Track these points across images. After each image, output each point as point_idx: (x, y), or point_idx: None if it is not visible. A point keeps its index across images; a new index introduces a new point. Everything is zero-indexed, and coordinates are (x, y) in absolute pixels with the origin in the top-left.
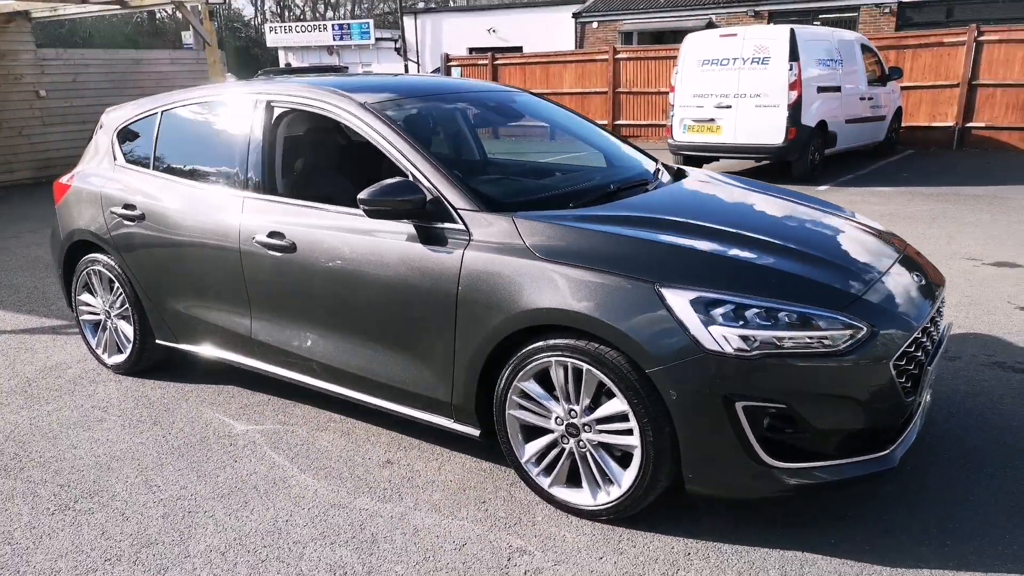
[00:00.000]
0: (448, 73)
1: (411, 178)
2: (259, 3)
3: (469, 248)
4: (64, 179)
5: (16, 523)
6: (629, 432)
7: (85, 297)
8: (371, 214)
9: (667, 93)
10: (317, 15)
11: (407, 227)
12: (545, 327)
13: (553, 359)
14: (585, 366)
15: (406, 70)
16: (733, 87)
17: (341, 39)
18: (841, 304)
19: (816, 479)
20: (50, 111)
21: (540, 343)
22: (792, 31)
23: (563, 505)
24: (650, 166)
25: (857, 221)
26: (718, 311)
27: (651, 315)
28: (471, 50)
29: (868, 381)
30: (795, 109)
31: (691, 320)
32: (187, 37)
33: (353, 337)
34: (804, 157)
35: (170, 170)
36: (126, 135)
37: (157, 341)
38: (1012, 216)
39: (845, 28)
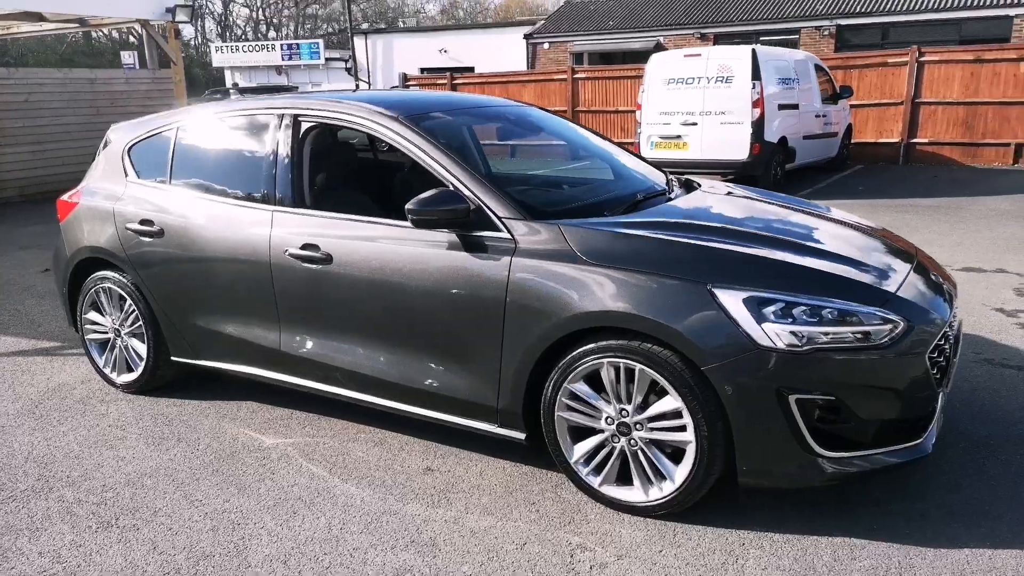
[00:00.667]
0: None
1: (451, 188)
2: (198, 24)
3: (516, 255)
4: (68, 196)
5: (60, 541)
6: (682, 428)
7: (92, 316)
8: (417, 223)
9: (626, 112)
10: (259, 35)
11: (448, 236)
12: (593, 329)
13: (605, 360)
14: (638, 366)
15: (356, 90)
16: (698, 105)
17: (290, 59)
18: (879, 301)
19: (861, 467)
20: (2, 131)
21: (591, 345)
22: (754, 51)
23: (614, 503)
24: (661, 177)
25: (868, 225)
26: (769, 309)
27: (705, 315)
28: (423, 70)
29: (907, 373)
30: (758, 126)
31: (744, 318)
32: (127, 57)
33: (392, 345)
34: (768, 172)
35: (190, 186)
36: (138, 151)
37: (173, 358)
38: (969, 225)
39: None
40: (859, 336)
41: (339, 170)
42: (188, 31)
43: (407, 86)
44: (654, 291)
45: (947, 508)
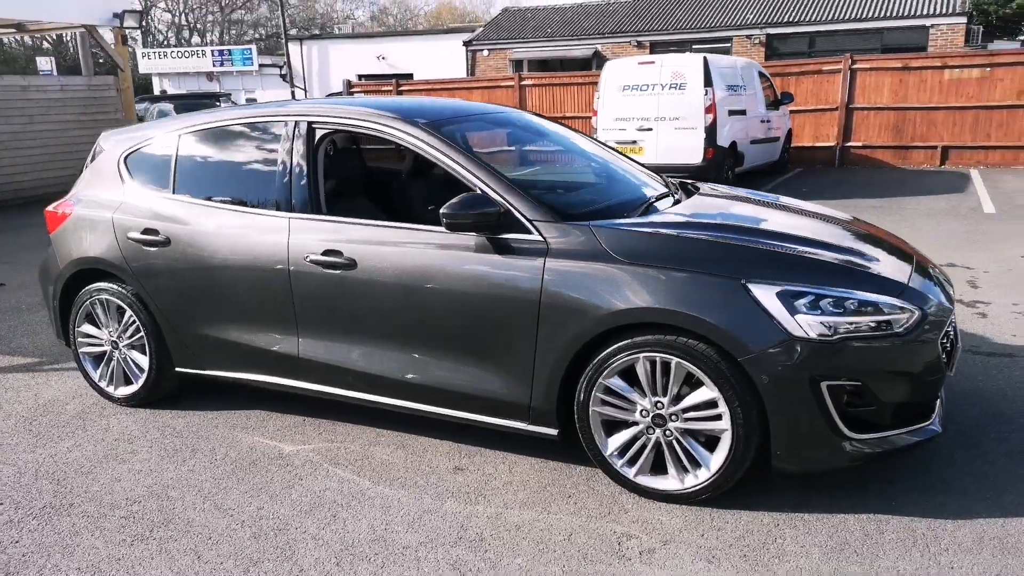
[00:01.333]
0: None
1: (479, 192)
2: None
3: (549, 256)
4: (57, 207)
5: (96, 556)
6: (718, 417)
7: (86, 328)
8: (451, 227)
9: (573, 118)
10: (182, 41)
11: (476, 239)
12: (627, 326)
13: (641, 355)
14: (674, 359)
15: (292, 97)
16: (653, 111)
17: (222, 65)
18: (896, 291)
19: (883, 447)
20: None
21: (627, 341)
22: (705, 59)
23: (650, 493)
24: (660, 180)
25: (865, 223)
26: (800, 302)
27: (741, 309)
28: (361, 76)
29: (922, 357)
30: (711, 131)
31: (778, 311)
32: (43, 63)
33: (419, 347)
34: (720, 175)
35: (197, 194)
36: (136, 160)
37: (177, 369)
38: (913, 223)
39: None
40: (881, 325)
41: (355, 176)
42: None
43: (351, 92)
44: (690, 287)
45: (954, 484)
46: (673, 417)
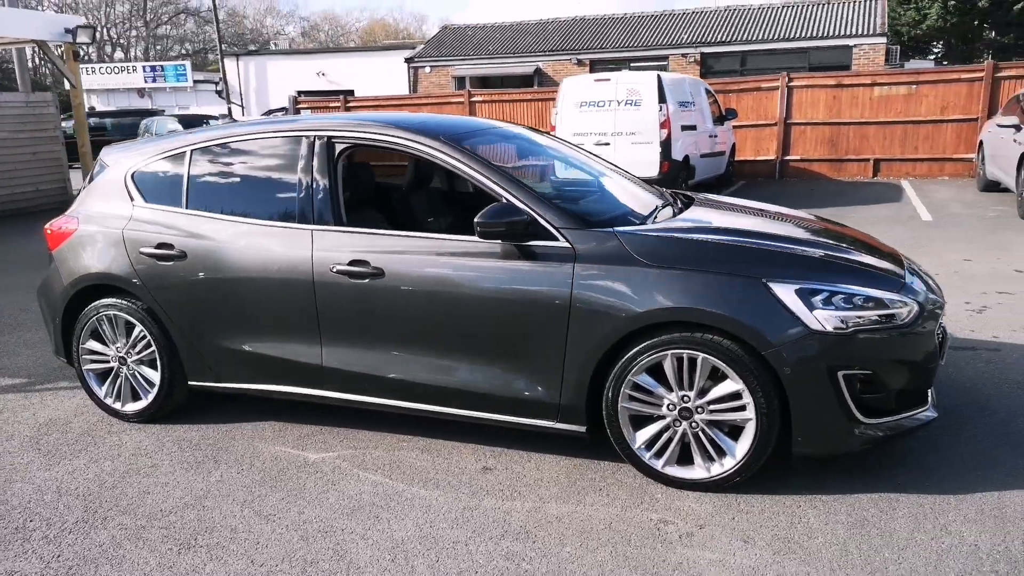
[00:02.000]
0: (297, 113)
1: (505, 202)
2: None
3: (578, 262)
4: (57, 224)
5: (146, 566)
6: (742, 408)
7: (91, 345)
8: (484, 235)
9: None
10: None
11: (503, 246)
12: (653, 325)
13: (669, 352)
14: (700, 355)
15: (229, 113)
16: (610, 126)
17: (154, 81)
18: (896, 287)
19: (891, 431)
20: None
21: (655, 339)
22: (659, 77)
23: (677, 482)
24: (655, 191)
25: (850, 227)
26: (817, 298)
27: (763, 306)
28: (300, 93)
29: (921, 347)
30: (666, 145)
31: (798, 307)
32: None
33: (448, 352)
34: (675, 187)
35: (212, 208)
36: (145, 175)
37: (190, 383)
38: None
39: None
40: (885, 318)
41: (371, 189)
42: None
43: (298, 109)
44: (715, 287)
45: (947, 464)
46: (699, 410)
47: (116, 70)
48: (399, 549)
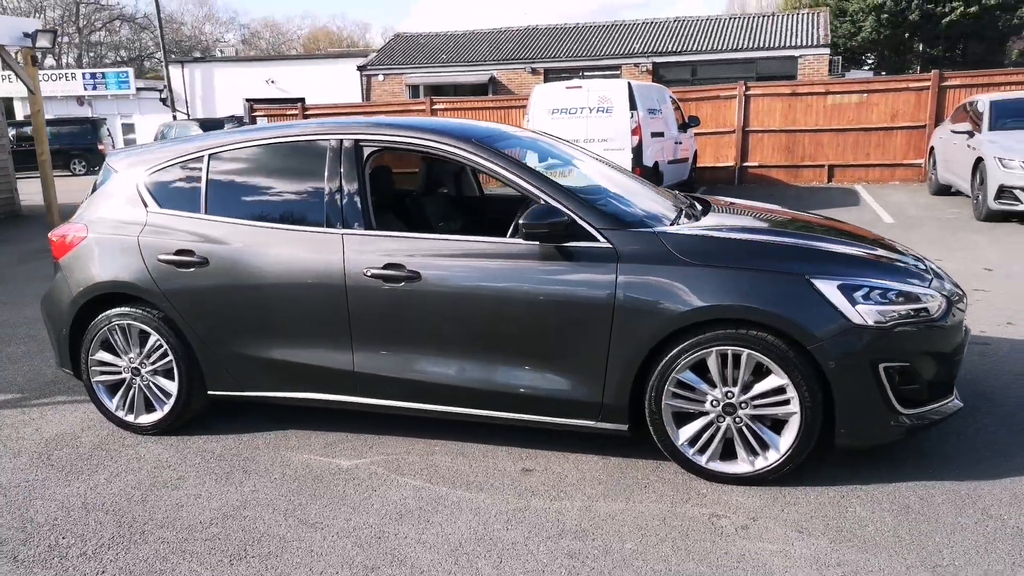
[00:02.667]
0: (254, 122)
1: (544, 203)
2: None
3: (621, 262)
4: (65, 231)
5: None
6: (786, 402)
7: (102, 356)
8: (528, 236)
9: None
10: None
11: (542, 247)
12: (697, 323)
13: (714, 349)
14: (745, 351)
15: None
16: (583, 133)
17: (95, 89)
18: (926, 283)
19: (925, 420)
20: None
21: (700, 336)
22: (629, 84)
23: (721, 477)
24: (670, 194)
25: (853, 225)
26: (858, 293)
27: (808, 302)
28: (249, 101)
29: (951, 340)
30: (638, 152)
31: (841, 302)
32: None
33: (487, 354)
34: None
35: (233, 213)
36: (158, 181)
37: (210, 392)
38: None
39: None
40: (919, 312)
41: (395, 192)
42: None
43: (253, 117)
44: (759, 284)
45: (967, 453)
46: (743, 405)
47: (54, 77)
48: (459, 552)
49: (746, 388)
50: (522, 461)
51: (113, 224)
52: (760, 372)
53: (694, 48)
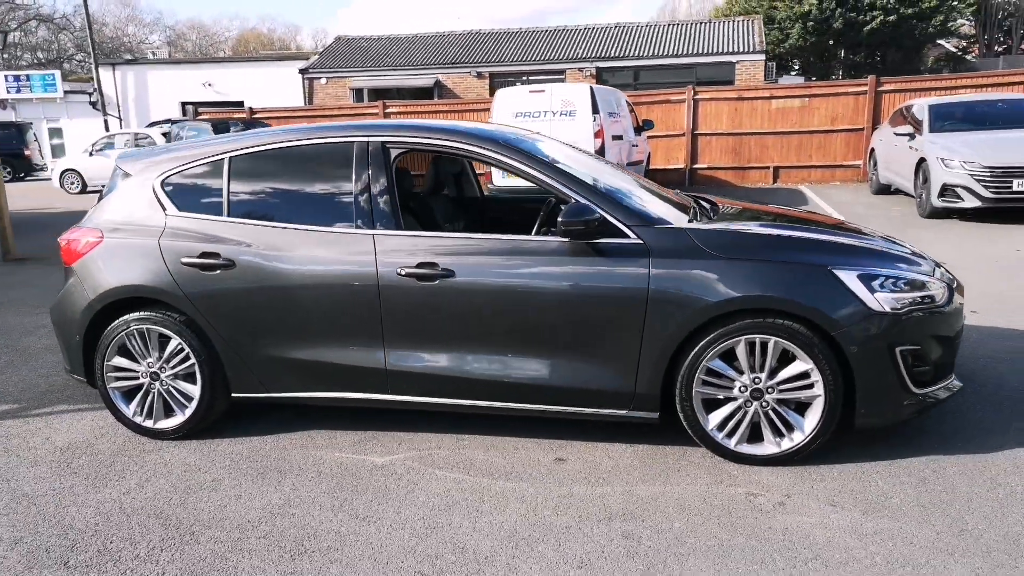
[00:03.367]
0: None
1: (575, 201)
2: None
3: (653, 256)
4: (77, 236)
5: (266, 573)
6: (810, 387)
7: (118, 362)
8: (566, 233)
9: None
10: None
11: (572, 244)
12: (727, 313)
13: (742, 338)
14: (772, 339)
15: (106, 126)
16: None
17: (18, 92)
18: (930, 271)
19: (933, 400)
20: None
21: (729, 326)
22: (591, 89)
23: (749, 459)
24: (672, 193)
25: (851, 223)
26: (875, 282)
27: (831, 291)
28: (185, 104)
29: (954, 324)
30: (600, 154)
31: (861, 291)
32: None
33: (521, 349)
34: None
35: (258, 215)
36: (176, 183)
37: (233, 395)
38: None
39: None
40: (927, 299)
41: (415, 192)
42: None
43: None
44: (785, 275)
45: (962, 430)
46: (770, 390)
47: None
48: (516, 537)
49: (772, 374)
50: (553, 451)
51: (131, 228)
52: (785, 358)
53: (636, 53)
